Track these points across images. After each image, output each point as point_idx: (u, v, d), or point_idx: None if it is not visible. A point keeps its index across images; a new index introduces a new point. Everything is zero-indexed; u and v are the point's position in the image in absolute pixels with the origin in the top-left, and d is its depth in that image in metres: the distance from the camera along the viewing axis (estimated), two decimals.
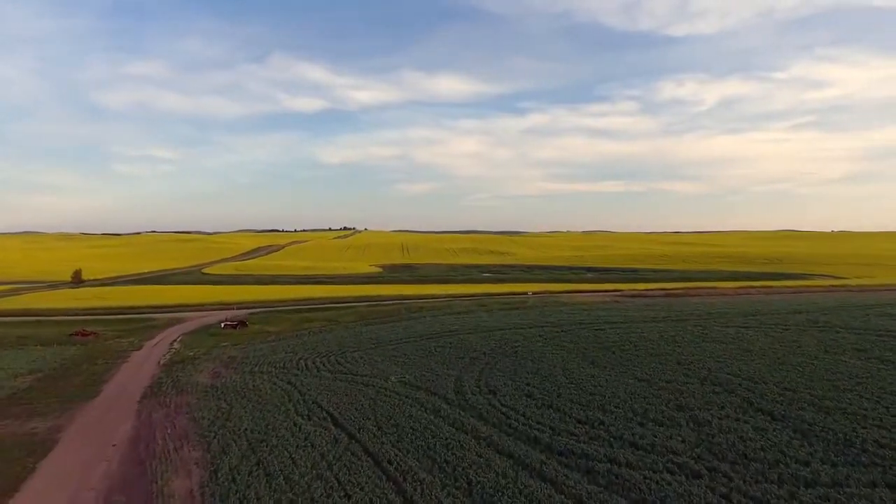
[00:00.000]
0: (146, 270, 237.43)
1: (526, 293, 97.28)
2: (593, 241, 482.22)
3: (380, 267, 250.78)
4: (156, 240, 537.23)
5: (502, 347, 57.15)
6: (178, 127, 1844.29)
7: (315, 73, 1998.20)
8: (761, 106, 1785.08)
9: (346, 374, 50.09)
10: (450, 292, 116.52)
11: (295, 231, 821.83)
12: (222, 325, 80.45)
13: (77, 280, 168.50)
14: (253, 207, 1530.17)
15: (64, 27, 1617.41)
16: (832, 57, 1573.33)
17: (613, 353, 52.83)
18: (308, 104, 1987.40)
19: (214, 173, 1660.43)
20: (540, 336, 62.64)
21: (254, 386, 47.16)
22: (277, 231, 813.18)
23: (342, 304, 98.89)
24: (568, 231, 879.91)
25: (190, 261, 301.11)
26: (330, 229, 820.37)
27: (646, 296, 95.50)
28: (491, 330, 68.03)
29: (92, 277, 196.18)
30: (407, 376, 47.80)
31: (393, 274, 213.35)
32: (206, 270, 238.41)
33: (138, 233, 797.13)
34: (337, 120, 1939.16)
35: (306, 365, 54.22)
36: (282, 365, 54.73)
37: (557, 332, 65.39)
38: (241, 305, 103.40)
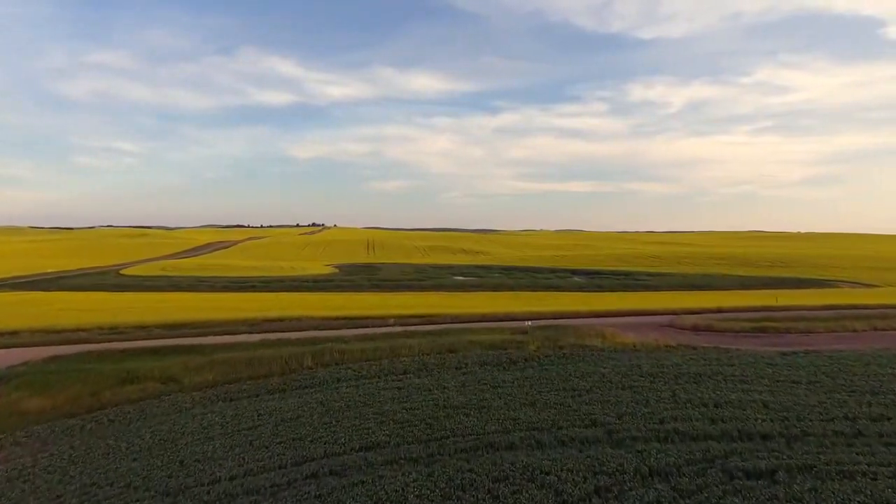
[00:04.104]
0: (51, 270, 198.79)
1: (524, 323, 59.56)
2: (571, 240, 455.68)
3: (337, 267, 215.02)
4: (103, 234, 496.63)
5: None
6: (142, 119, 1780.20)
7: (285, 66, 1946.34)
8: (727, 109, 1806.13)
9: None
10: (406, 311, 79.51)
11: (261, 227, 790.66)
12: None
13: None
14: (220, 203, 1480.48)
15: (20, 14, 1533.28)
16: (795, 63, 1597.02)
17: None
18: (278, 98, 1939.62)
19: (180, 167, 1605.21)
20: None
21: None
22: (243, 227, 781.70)
23: (219, 338, 60.20)
24: (541, 230, 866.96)
25: (119, 258, 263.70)
26: (298, 225, 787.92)
27: (721, 330, 58.37)
28: (464, 449, 25.75)
29: None
30: None
31: (348, 277, 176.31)
32: (125, 271, 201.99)
33: (93, 227, 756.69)
34: (308, 115, 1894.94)
35: None
36: None
37: (645, 488, 18.29)
38: (56, 337, 64.44)
